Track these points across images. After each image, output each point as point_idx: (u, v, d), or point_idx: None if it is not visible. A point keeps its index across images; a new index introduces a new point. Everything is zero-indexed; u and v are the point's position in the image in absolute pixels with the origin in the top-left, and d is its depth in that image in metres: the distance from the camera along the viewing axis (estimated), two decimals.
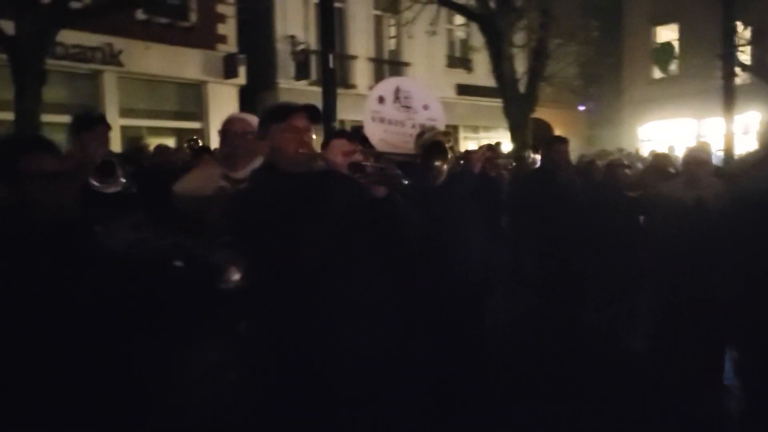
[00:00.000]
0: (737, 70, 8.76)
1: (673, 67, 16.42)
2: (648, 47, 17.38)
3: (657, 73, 17.11)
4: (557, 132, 15.14)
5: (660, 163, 5.19)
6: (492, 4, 8.53)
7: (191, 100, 11.41)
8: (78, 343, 1.67)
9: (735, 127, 7.86)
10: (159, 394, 2.02)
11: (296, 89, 11.58)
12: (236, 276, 2.01)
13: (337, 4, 11.90)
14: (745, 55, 12.38)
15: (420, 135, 3.20)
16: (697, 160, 3.43)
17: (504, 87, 8.78)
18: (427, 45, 13.08)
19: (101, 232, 1.82)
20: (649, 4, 17.18)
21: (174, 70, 10.78)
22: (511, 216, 5.24)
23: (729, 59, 7.76)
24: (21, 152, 1.71)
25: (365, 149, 2.62)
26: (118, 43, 9.92)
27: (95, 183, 2.24)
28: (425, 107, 4.16)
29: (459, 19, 14.12)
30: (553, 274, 4.09)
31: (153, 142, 7.48)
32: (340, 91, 6.81)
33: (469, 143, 14.44)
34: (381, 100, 4.02)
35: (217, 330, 2.17)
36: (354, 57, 13.30)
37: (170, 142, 9.55)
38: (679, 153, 6.37)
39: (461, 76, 15.56)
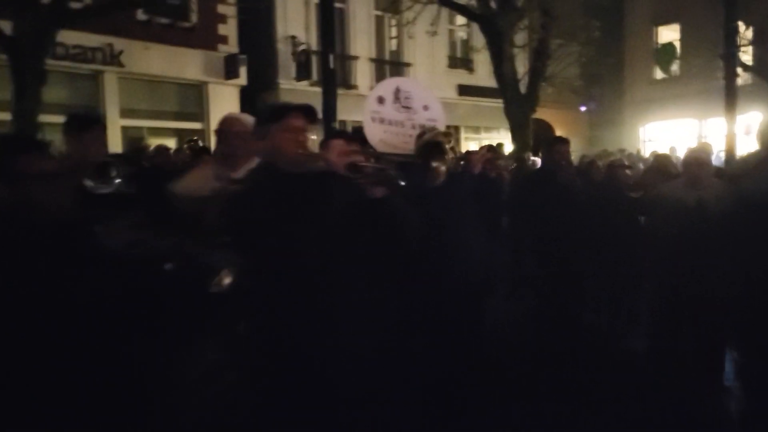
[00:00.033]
0: (739, 70, 8.74)
1: (675, 67, 16.38)
2: (649, 47, 17.35)
3: (658, 74, 17.07)
4: (558, 132, 15.14)
5: (661, 163, 5.18)
6: (493, 4, 8.53)
7: (192, 100, 11.42)
8: (78, 342, 1.67)
9: (737, 127, 7.85)
10: (159, 394, 2.03)
11: (297, 90, 11.59)
12: (227, 280, 2.01)
13: (337, 5, 11.90)
14: (746, 56, 12.36)
15: (420, 135, 3.20)
16: (698, 160, 3.43)
17: (505, 87, 8.78)
18: (428, 45, 13.09)
19: (101, 232, 1.83)
20: (650, 4, 17.16)
21: (174, 71, 10.79)
22: (511, 216, 5.24)
23: (731, 59, 7.74)
24: (20, 152, 1.72)
25: (364, 149, 2.61)
26: (118, 43, 9.92)
27: (89, 183, 2.24)
28: (425, 108, 4.17)
29: (460, 20, 14.10)
30: (553, 274, 4.09)
31: (154, 143, 7.49)
32: (340, 91, 6.81)
33: (470, 144, 14.43)
34: (381, 100, 4.02)
35: (217, 330, 2.17)
36: (355, 57, 13.30)
37: (171, 142, 9.56)
38: (681, 154, 6.36)
39: (462, 77, 15.55)
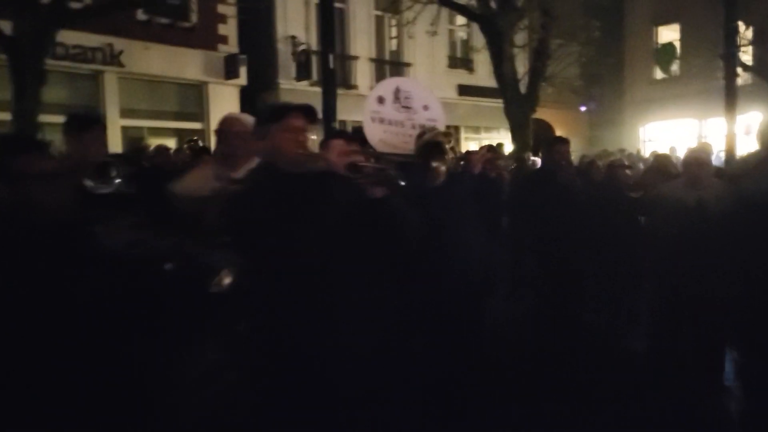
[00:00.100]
0: (739, 70, 8.74)
1: (675, 67, 16.38)
2: (649, 47, 17.36)
3: (658, 74, 17.08)
4: (558, 132, 15.14)
5: (661, 163, 5.18)
6: (493, 4, 8.53)
7: (192, 100, 11.42)
8: (78, 343, 1.67)
9: (737, 127, 7.85)
10: (159, 394, 2.03)
11: (297, 90, 11.59)
12: (227, 280, 2.01)
13: (337, 5, 11.90)
14: (746, 56, 12.36)
15: (420, 135, 3.20)
16: (698, 160, 3.43)
17: (505, 87, 8.78)
18: (428, 45, 13.09)
19: (101, 232, 1.83)
20: (650, 4, 17.16)
21: (175, 71, 10.79)
22: (511, 216, 5.24)
23: (731, 59, 7.74)
24: (20, 152, 1.72)
25: (364, 150, 2.62)
26: (118, 43, 9.93)
27: (89, 183, 2.24)
28: (425, 108, 4.17)
29: (460, 20, 14.11)
30: (553, 274, 4.09)
31: (154, 143, 7.49)
32: (341, 91, 6.81)
33: (470, 144, 14.43)
34: (381, 100, 4.03)
35: (217, 330, 2.17)
36: (355, 57, 13.31)
37: (171, 142, 9.57)
38: (681, 154, 6.36)
39: (462, 77, 15.56)
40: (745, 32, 12.01)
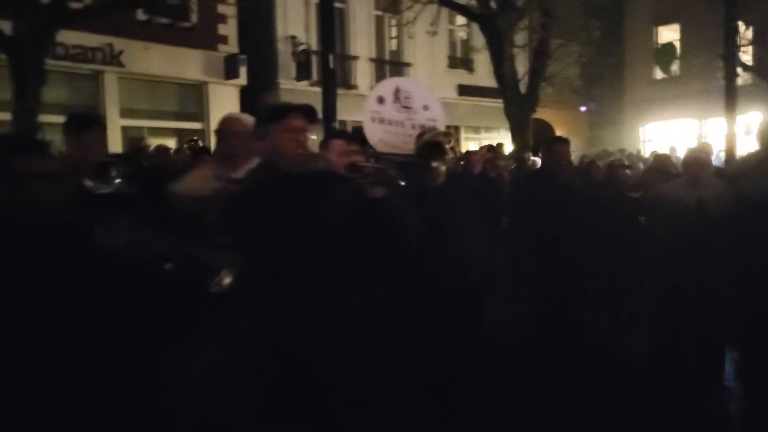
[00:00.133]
0: (739, 70, 8.74)
1: (675, 67, 16.38)
2: (649, 47, 17.36)
3: (658, 74, 17.08)
4: (558, 132, 15.14)
5: (661, 163, 5.18)
6: (493, 4, 8.52)
7: (192, 100, 11.42)
8: (78, 343, 1.67)
9: (737, 127, 7.85)
10: (159, 393, 2.03)
11: (297, 90, 11.59)
12: (227, 280, 2.01)
13: (337, 5, 11.90)
14: (746, 56, 12.36)
15: (420, 135, 3.20)
16: (698, 160, 3.43)
17: (505, 87, 8.78)
18: (428, 45, 13.09)
19: (101, 232, 1.83)
20: (650, 4, 17.16)
21: (175, 71, 10.79)
22: (511, 216, 5.24)
23: (731, 59, 7.74)
24: (20, 152, 1.72)
25: (364, 150, 2.62)
26: (118, 43, 9.93)
27: (89, 183, 2.24)
28: (425, 107, 4.17)
29: (460, 20, 14.11)
30: (553, 274, 4.09)
31: (154, 143, 7.49)
32: (341, 91, 6.81)
33: (470, 144, 14.43)
34: (380, 100, 4.03)
35: (217, 330, 2.17)
36: (355, 57, 13.31)
37: (171, 142, 9.57)
38: (681, 153, 6.36)
39: (462, 77, 15.56)
40: (745, 32, 12.01)
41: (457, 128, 14.81)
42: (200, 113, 11.39)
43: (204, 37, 11.09)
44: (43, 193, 1.69)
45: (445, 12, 10.52)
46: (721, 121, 8.82)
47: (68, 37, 8.40)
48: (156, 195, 2.55)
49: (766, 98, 11.54)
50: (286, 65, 12.21)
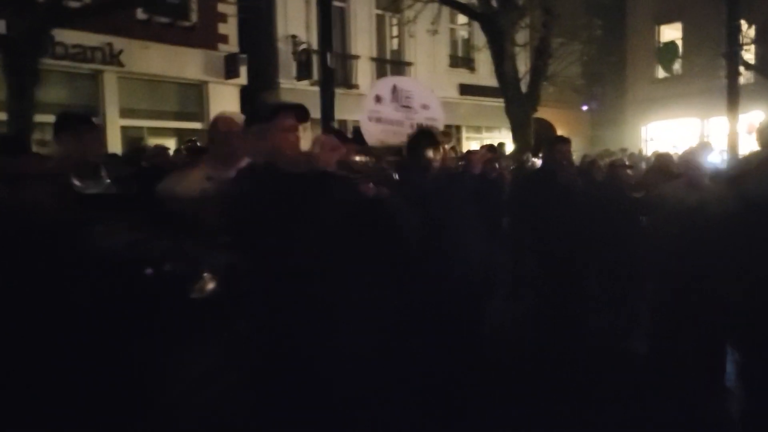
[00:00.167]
0: (741, 69, 8.74)
1: (677, 66, 16.36)
2: (652, 46, 17.33)
3: (661, 73, 17.06)
4: (560, 132, 15.11)
5: (663, 163, 5.17)
6: (494, 3, 8.52)
7: (192, 100, 11.41)
8: (77, 343, 1.67)
9: (739, 126, 7.84)
10: (158, 394, 2.02)
11: (298, 89, 11.58)
12: (210, 286, 2.00)
13: (338, 4, 11.90)
14: (749, 54, 12.34)
15: None
16: (688, 164, 3.42)
17: (506, 86, 8.77)
18: (429, 44, 13.08)
19: (100, 232, 1.82)
20: (652, 3, 17.12)
21: (175, 70, 10.79)
22: (511, 216, 5.24)
23: (733, 58, 7.74)
24: (19, 152, 1.72)
25: (359, 147, 2.61)
26: (118, 42, 9.92)
27: (77, 183, 2.22)
28: (424, 107, 4.17)
29: (461, 19, 14.10)
30: (553, 274, 4.08)
31: (153, 143, 7.49)
32: (342, 91, 6.82)
33: (471, 143, 14.42)
34: (378, 99, 4.02)
35: (217, 330, 2.17)
36: (356, 57, 13.30)
37: (171, 142, 9.56)
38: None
39: (464, 76, 15.54)
40: (748, 31, 11.99)
41: (458, 128, 14.80)
42: (200, 113, 11.38)
43: (204, 37, 11.09)
44: (43, 193, 1.69)
45: (446, 11, 10.52)
46: (723, 120, 8.80)
47: (68, 36, 8.40)
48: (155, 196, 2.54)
49: None
50: (287, 65, 12.20)
